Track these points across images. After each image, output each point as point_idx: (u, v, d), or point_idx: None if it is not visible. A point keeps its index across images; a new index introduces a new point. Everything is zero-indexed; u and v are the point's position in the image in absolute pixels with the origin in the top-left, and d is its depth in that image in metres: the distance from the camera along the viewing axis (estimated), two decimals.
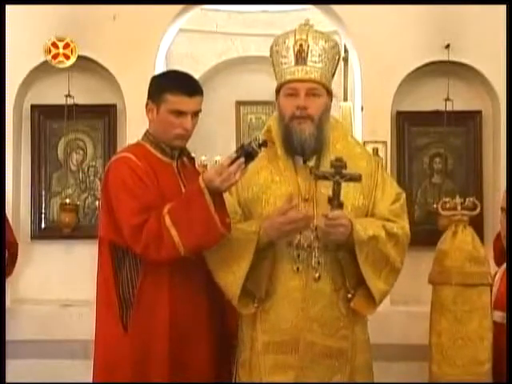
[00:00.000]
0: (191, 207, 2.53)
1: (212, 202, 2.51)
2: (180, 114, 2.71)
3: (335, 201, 2.56)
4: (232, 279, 2.61)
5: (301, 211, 2.56)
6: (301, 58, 2.68)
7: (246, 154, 2.50)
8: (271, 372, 2.65)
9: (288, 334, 2.63)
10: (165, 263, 2.63)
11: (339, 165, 2.58)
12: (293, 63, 2.68)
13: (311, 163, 2.72)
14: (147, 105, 2.79)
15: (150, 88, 2.81)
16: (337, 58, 2.78)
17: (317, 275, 2.62)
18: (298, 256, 2.63)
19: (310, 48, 2.68)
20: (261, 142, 2.50)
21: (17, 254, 4.34)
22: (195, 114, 2.75)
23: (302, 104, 2.64)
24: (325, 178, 2.59)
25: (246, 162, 2.51)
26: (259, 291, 2.63)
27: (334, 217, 2.54)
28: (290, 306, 2.63)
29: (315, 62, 2.68)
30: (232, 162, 2.49)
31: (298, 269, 2.62)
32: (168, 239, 2.54)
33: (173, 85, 2.73)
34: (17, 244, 4.36)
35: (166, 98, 2.71)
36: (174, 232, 2.53)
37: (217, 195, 2.53)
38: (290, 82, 2.68)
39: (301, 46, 2.68)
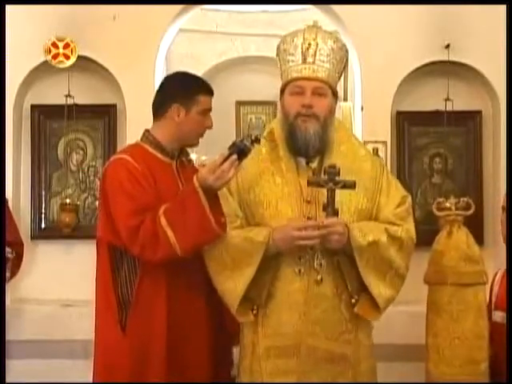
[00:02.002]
0: (186, 207, 2.53)
1: (206, 202, 2.50)
2: (207, 114, 2.83)
3: (329, 208, 2.53)
4: (233, 287, 2.58)
5: (318, 226, 2.51)
6: (309, 56, 2.65)
7: (239, 151, 2.48)
8: (272, 377, 2.62)
9: (290, 339, 2.61)
10: (162, 264, 2.63)
11: (332, 171, 2.55)
12: (300, 61, 2.66)
13: (314, 164, 2.69)
14: (171, 107, 2.78)
15: (171, 91, 2.82)
16: (344, 60, 2.75)
17: (319, 278, 2.60)
18: (300, 258, 2.60)
19: (318, 47, 2.66)
20: (253, 138, 2.49)
21: (22, 255, 4.34)
22: None
23: (307, 102, 2.62)
24: (319, 185, 2.56)
25: (240, 159, 2.49)
26: (260, 298, 2.61)
27: (329, 224, 2.51)
28: (291, 310, 2.60)
29: (323, 62, 2.66)
30: (225, 160, 2.48)
31: (299, 271, 2.60)
32: (164, 240, 2.54)
33: (202, 87, 2.84)
34: (22, 244, 4.36)
35: (199, 100, 2.79)
36: (169, 232, 2.54)
37: (211, 194, 2.52)
38: (296, 79, 2.66)
39: (309, 44, 2.66)
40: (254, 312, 2.62)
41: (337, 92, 2.74)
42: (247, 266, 2.56)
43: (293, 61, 2.67)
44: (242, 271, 2.56)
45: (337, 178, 2.54)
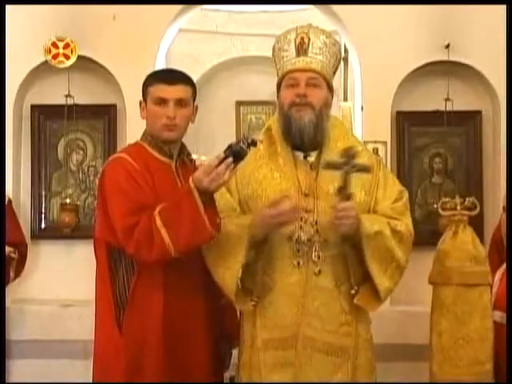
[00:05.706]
0: (181, 207, 2.52)
1: (201, 202, 2.49)
2: (163, 103, 2.74)
3: (344, 191, 2.55)
4: (228, 274, 2.59)
5: (288, 203, 2.53)
6: (302, 49, 2.71)
7: (235, 153, 2.46)
8: (271, 369, 2.63)
9: (288, 331, 2.62)
10: (157, 263, 2.63)
11: (350, 154, 2.57)
12: (294, 55, 2.71)
13: (311, 159, 2.72)
14: (140, 104, 2.85)
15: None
16: (338, 56, 2.79)
17: (317, 269, 2.62)
18: (298, 250, 2.62)
19: (311, 41, 2.71)
20: (249, 141, 2.48)
21: (26, 255, 4.34)
22: (180, 103, 2.76)
23: (301, 92, 2.66)
24: (335, 167, 2.58)
25: (235, 162, 2.46)
26: (256, 287, 2.62)
27: (344, 208, 2.54)
28: (289, 302, 2.62)
29: (316, 54, 2.71)
30: (220, 162, 2.47)
31: (298, 263, 2.62)
32: (158, 240, 2.52)
33: (153, 77, 2.82)
34: (26, 245, 4.36)
35: (149, 91, 2.78)
36: (164, 233, 2.52)
37: (207, 195, 2.51)
38: (290, 72, 2.70)
39: (302, 38, 2.71)
40: (253, 303, 2.63)
41: (332, 86, 2.77)
42: (237, 250, 2.57)
43: (287, 56, 2.73)
44: (234, 256, 2.58)
45: (353, 161, 2.57)
